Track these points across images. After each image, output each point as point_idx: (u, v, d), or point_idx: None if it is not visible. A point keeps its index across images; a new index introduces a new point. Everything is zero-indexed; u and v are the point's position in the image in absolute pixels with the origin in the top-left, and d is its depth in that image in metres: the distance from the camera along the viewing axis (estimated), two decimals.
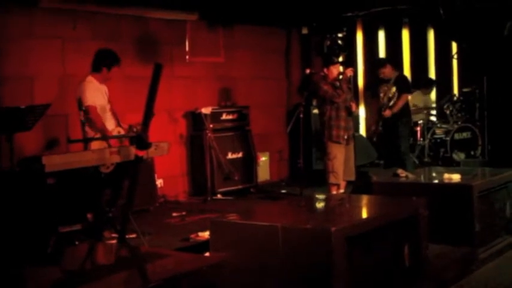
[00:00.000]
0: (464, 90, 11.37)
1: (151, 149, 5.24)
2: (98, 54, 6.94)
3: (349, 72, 8.74)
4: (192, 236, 6.61)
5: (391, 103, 9.55)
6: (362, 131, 11.85)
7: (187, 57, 9.87)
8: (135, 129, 6.39)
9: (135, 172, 4.99)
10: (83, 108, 6.69)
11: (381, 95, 9.74)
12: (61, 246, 5.82)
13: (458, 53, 12.44)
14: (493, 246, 6.90)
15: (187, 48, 9.87)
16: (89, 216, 6.71)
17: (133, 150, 5.01)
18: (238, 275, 4.59)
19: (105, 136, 6.56)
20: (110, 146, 6.27)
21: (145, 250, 4.99)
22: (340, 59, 10.58)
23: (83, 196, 6.46)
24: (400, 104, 9.57)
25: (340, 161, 8.40)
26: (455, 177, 7.08)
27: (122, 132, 6.82)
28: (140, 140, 4.76)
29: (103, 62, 6.86)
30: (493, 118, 10.69)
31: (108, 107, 6.96)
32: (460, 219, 6.60)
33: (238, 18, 10.28)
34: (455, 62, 12.77)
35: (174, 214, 8.15)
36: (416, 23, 12.44)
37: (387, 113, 9.51)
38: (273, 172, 11.05)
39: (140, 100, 5.06)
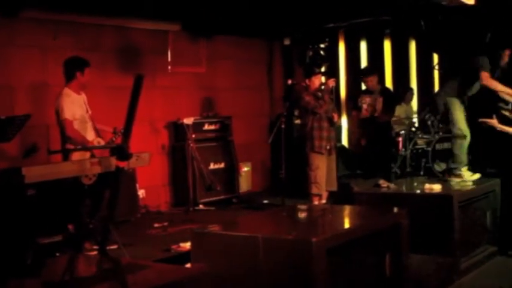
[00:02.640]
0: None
1: (133, 160, 5.21)
2: (67, 63, 6.95)
3: (331, 82, 8.77)
4: (174, 247, 6.59)
5: (377, 115, 9.60)
6: (344, 141, 11.88)
7: (169, 67, 9.87)
8: (119, 133, 6.38)
9: (115, 183, 4.96)
10: (61, 120, 6.69)
11: (364, 106, 9.75)
12: (41, 257, 5.77)
13: (439, 63, 12.54)
14: (474, 256, 6.95)
15: (169, 59, 9.87)
16: (70, 227, 6.66)
17: (114, 161, 4.98)
18: (220, 286, 4.58)
19: (85, 147, 6.54)
20: (93, 156, 6.25)
21: (126, 261, 4.96)
22: (322, 69, 10.62)
23: (63, 207, 6.42)
24: (393, 113, 9.68)
25: (322, 172, 8.42)
26: (436, 188, 7.13)
27: (102, 142, 6.81)
28: (121, 150, 4.73)
29: (74, 68, 6.87)
30: (473, 128, 10.75)
31: (88, 116, 6.94)
32: (441, 229, 6.63)
33: (220, 29, 10.29)
34: (436, 73, 12.87)
35: (156, 225, 8.12)
36: (397, 34, 12.52)
37: (386, 117, 9.56)
38: (255, 182, 11.05)
39: (122, 110, 5.04)
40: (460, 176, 7.51)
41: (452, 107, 7.62)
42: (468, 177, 7.43)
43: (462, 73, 7.78)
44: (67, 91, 6.84)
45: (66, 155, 6.55)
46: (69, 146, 6.66)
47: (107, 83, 8.82)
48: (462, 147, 7.60)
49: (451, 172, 7.64)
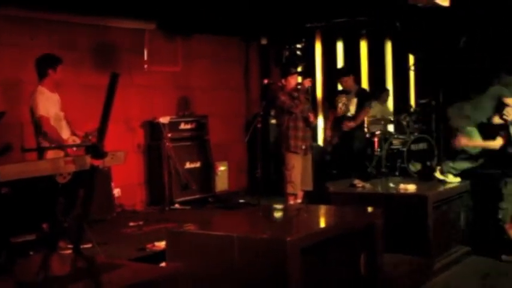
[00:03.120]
0: (421, 101, 11.51)
1: (108, 158, 5.18)
2: (39, 60, 6.94)
3: (307, 82, 8.80)
4: (149, 246, 6.58)
5: (350, 114, 9.62)
6: (320, 141, 11.92)
7: (145, 66, 9.85)
8: (90, 137, 6.36)
9: (90, 181, 4.94)
10: (35, 118, 6.65)
11: (339, 105, 9.79)
12: (15, 256, 5.73)
13: (415, 64, 12.62)
14: (448, 256, 7.01)
15: (145, 57, 9.84)
16: (44, 226, 6.63)
17: (88, 160, 4.96)
18: (194, 285, 4.58)
19: (60, 145, 6.51)
20: (67, 155, 6.22)
21: (100, 260, 4.94)
22: (299, 69, 10.64)
23: (37, 206, 6.38)
24: (362, 116, 9.67)
25: (298, 171, 8.45)
26: (411, 188, 7.17)
27: (77, 141, 6.78)
28: (96, 149, 4.71)
29: (46, 65, 6.86)
30: (448, 129, 10.84)
31: (62, 115, 6.91)
32: (415, 229, 6.67)
33: (196, 28, 10.28)
34: (412, 74, 12.95)
35: (131, 224, 8.10)
36: (374, 34, 12.59)
37: (351, 124, 9.55)
38: (232, 182, 11.05)
39: (98, 109, 5.02)
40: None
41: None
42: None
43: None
44: (41, 89, 6.82)
45: (41, 153, 6.51)
46: (44, 144, 6.63)
47: (83, 82, 8.79)
48: None
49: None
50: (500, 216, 6.85)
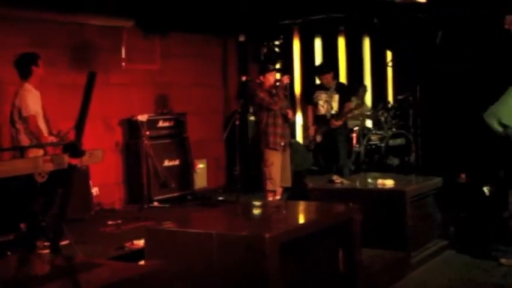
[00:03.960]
0: (399, 97, 11.60)
1: (85, 157, 5.18)
2: (20, 61, 6.96)
3: (286, 79, 8.82)
4: (127, 244, 6.57)
5: (333, 111, 9.64)
6: (299, 137, 11.96)
7: (123, 64, 9.81)
8: (63, 136, 6.36)
9: (68, 180, 4.94)
10: (23, 117, 6.65)
11: (320, 102, 9.80)
12: None
13: (392, 61, 12.71)
14: (426, 250, 7.07)
15: (123, 55, 9.81)
16: (22, 226, 6.60)
17: (66, 159, 4.96)
18: (173, 283, 4.59)
19: (38, 144, 6.50)
20: (46, 154, 6.20)
21: (79, 259, 4.94)
22: (277, 66, 10.67)
23: (15, 205, 6.35)
24: (347, 111, 9.69)
25: (277, 168, 8.47)
26: (389, 183, 7.22)
27: (54, 139, 6.77)
28: (73, 148, 4.72)
29: (29, 63, 6.88)
30: (426, 125, 10.94)
31: (42, 113, 6.91)
32: (393, 223, 6.73)
33: (174, 26, 10.27)
34: (390, 70, 13.03)
35: (110, 222, 8.09)
36: (352, 31, 12.65)
37: (338, 122, 9.55)
38: (210, 179, 11.06)
39: (76, 108, 5.03)
40: None
41: None
42: None
43: None
44: (28, 87, 6.84)
45: (21, 152, 6.49)
46: (22, 137, 6.63)
47: (60, 80, 8.74)
48: None
49: None
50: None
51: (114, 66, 9.68)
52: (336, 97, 9.62)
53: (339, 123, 9.48)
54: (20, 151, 6.48)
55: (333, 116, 9.54)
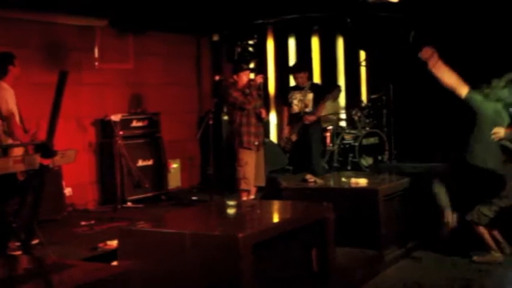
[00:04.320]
0: (372, 96, 11.66)
1: (57, 157, 5.15)
2: None
3: (259, 79, 8.83)
4: (100, 245, 6.53)
5: (308, 110, 9.63)
6: (273, 137, 11.97)
7: (96, 63, 9.75)
8: (32, 136, 6.30)
9: (40, 181, 4.91)
10: (3, 116, 6.62)
11: (295, 101, 9.80)
12: None
13: (366, 60, 12.76)
14: (398, 248, 7.12)
15: (96, 55, 9.75)
16: None
17: (38, 159, 4.93)
18: (147, 283, 4.58)
19: (7, 145, 6.44)
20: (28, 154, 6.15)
21: (51, 261, 4.90)
22: (251, 65, 10.67)
23: None
24: (321, 109, 9.68)
25: (251, 167, 8.48)
26: (362, 182, 7.27)
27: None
28: (45, 148, 4.68)
29: (5, 63, 6.88)
30: (399, 124, 11.02)
31: (17, 112, 6.89)
32: (366, 222, 6.77)
33: (148, 25, 10.22)
34: (363, 69, 13.09)
35: (83, 223, 8.03)
36: (325, 30, 12.68)
37: (312, 118, 9.53)
38: (184, 179, 11.03)
39: (48, 107, 4.99)
40: None
41: None
42: None
43: None
44: (4, 85, 6.82)
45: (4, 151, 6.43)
46: (5, 142, 6.60)
47: (33, 80, 8.65)
48: None
49: None
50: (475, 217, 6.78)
51: (87, 65, 9.62)
52: (310, 96, 9.61)
53: (312, 118, 9.45)
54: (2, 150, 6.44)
55: (306, 113, 9.55)
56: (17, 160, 5.36)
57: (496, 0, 9.36)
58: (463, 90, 6.81)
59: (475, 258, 6.71)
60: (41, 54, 9.00)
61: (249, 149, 8.47)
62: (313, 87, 9.73)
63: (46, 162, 4.74)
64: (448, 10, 9.84)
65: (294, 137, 9.67)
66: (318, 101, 9.57)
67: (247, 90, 8.57)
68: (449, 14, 9.91)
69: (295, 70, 10.01)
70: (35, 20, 8.92)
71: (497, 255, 6.71)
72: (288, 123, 9.74)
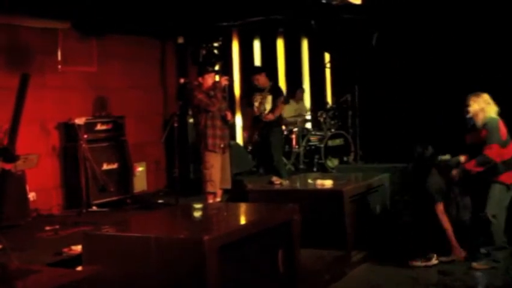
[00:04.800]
0: (340, 100, 11.72)
1: (19, 162, 5.11)
2: None
3: (224, 81, 8.82)
4: (65, 250, 6.45)
5: (266, 112, 9.64)
6: (238, 139, 11.97)
7: (59, 66, 9.65)
8: None
9: (1, 186, 4.84)
10: None
11: (256, 103, 9.80)
12: None
13: (330, 62, 12.84)
14: (365, 249, 7.16)
15: (59, 58, 9.64)
16: None
17: None
18: (112, 287, 4.54)
19: None
20: None
21: (14, 267, 4.84)
22: (216, 67, 10.66)
23: None
24: (280, 109, 9.66)
25: (217, 170, 8.44)
26: (328, 183, 7.30)
27: None
28: (6, 152, 4.62)
29: None
30: (364, 125, 11.09)
31: None
32: (333, 223, 6.81)
33: (111, 28, 10.14)
34: (328, 71, 13.17)
35: (47, 228, 7.92)
36: (290, 33, 12.73)
37: (270, 116, 9.52)
38: (150, 182, 10.96)
39: (9, 111, 4.93)
40: None
41: None
42: None
43: None
44: None
45: None
46: None
47: None
48: None
49: None
50: None
51: (50, 68, 9.51)
52: (269, 98, 9.60)
53: (270, 116, 9.43)
54: None
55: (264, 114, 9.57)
56: None
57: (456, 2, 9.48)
58: None
59: (474, 264, 6.66)
60: (3, 57, 8.87)
61: (214, 151, 8.44)
62: (273, 89, 9.72)
63: (8, 167, 4.68)
64: (410, 12, 9.94)
65: (255, 138, 9.68)
66: (277, 103, 9.58)
67: (212, 93, 8.53)
68: (412, 16, 10.01)
69: (252, 72, 10.04)
70: None
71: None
72: (250, 125, 9.75)
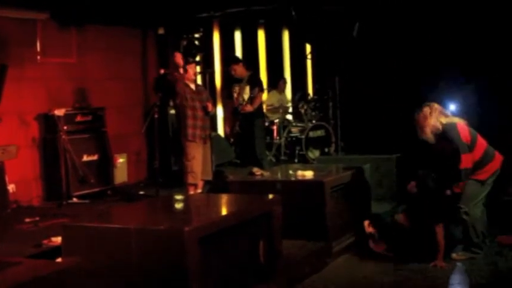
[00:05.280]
0: (318, 88, 11.75)
1: None
2: None
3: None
4: (45, 241, 6.43)
5: (244, 102, 9.67)
6: (220, 130, 11.96)
7: (38, 57, 9.58)
8: None
9: None
10: None
11: (235, 94, 9.83)
12: None
13: (311, 53, 12.84)
14: (345, 240, 7.19)
15: (38, 49, 9.58)
16: None
17: None
18: (92, 279, 4.52)
19: None
20: None
21: None
22: (197, 58, 10.64)
23: None
24: (258, 100, 9.69)
25: (198, 161, 8.44)
26: (308, 174, 7.30)
27: None
28: None
29: None
30: (345, 116, 11.12)
31: None
32: (314, 214, 6.80)
33: (91, 18, 10.08)
34: (309, 63, 13.17)
35: (27, 220, 7.88)
36: (271, 24, 12.73)
37: (248, 107, 9.55)
38: (131, 174, 10.93)
39: None
40: None
41: None
42: None
43: None
44: None
45: None
46: None
47: None
48: None
49: None
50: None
51: (29, 59, 9.45)
52: (247, 88, 9.66)
53: (248, 108, 9.48)
54: None
55: (242, 104, 9.62)
56: None
57: None
58: None
59: (454, 255, 6.64)
60: None
61: (194, 142, 8.42)
62: (250, 79, 9.75)
63: None
64: (391, 2, 9.97)
65: (235, 129, 9.71)
66: (254, 93, 9.61)
67: (193, 85, 8.54)
68: (393, 7, 10.04)
69: (229, 62, 10.08)
70: None
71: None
72: (231, 116, 9.78)
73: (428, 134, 6.54)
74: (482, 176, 6.52)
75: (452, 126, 6.51)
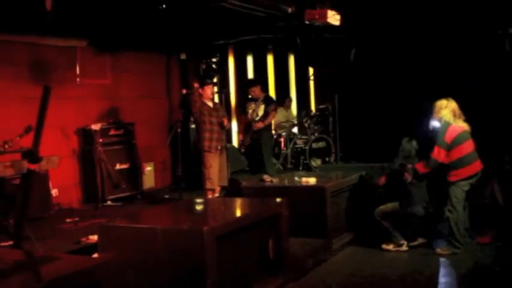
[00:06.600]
0: (320, 106, 11.73)
1: (43, 163, 5.09)
2: None
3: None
4: (83, 239, 6.44)
5: (258, 118, 9.77)
6: (234, 142, 11.97)
7: (77, 79, 9.64)
8: (6, 146, 6.06)
9: (27, 183, 4.83)
10: None
11: (249, 111, 9.90)
12: None
13: (314, 75, 12.89)
14: (344, 238, 7.19)
15: (77, 72, 9.63)
16: None
17: (25, 164, 4.85)
18: (123, 273, 4.53)
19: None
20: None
21: (39, 254, 4.83)
22: (214, 80, 10.68)
23: None
24: (270, 118, 9.80)
25: (215, 169, 8.43)
26: (312, 180, 7.31)
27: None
28: (31, 154, 4.62)
29: None
30: (343, 130, 11.13)
31: None
32: (316, 215, 6.81)
33: (123, 45, 10.13)
34: (312, 83, 13.19)
35: (68, 220, 7.91)
36: (278, 49, 12.76)
37: (259, 124, 9.64)
38: (157, 180, 10.94)
39: (35, 118, 4.91)
40: None
41: None
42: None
43: None
44: None
45: None
46: None
47: (21, 94, 8.53)
48: None
49: None
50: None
51: (70, 81, 9.50)
52: (262, 107, 9.76)
53: (259, 125, 9.61)
54: None
55: (256, 121, 9.72)
56: (6, 165, 5.28)
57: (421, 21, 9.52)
58: None
59: (438, 250, 6.64)
60: (29, 71, 8.86)
61: (210, 152, 8.42)
62: (265, 100, 9.87)
63: (33, 167, 4.67)
64: (383, 32, 9.99)
65: (247, 141, 9.78)
66: (268, 112, 9.75)
67: (211, 103, 8.57)
68: (385, 35, 10.06)
69: (248, 85, 10.19)
70: (23, 42, 8.78)
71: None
72: (244, 129, 9.86)
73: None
74: (452, 178, 6.53)
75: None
